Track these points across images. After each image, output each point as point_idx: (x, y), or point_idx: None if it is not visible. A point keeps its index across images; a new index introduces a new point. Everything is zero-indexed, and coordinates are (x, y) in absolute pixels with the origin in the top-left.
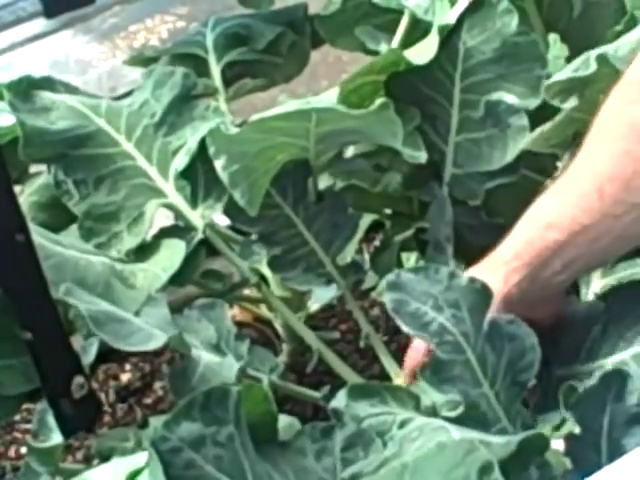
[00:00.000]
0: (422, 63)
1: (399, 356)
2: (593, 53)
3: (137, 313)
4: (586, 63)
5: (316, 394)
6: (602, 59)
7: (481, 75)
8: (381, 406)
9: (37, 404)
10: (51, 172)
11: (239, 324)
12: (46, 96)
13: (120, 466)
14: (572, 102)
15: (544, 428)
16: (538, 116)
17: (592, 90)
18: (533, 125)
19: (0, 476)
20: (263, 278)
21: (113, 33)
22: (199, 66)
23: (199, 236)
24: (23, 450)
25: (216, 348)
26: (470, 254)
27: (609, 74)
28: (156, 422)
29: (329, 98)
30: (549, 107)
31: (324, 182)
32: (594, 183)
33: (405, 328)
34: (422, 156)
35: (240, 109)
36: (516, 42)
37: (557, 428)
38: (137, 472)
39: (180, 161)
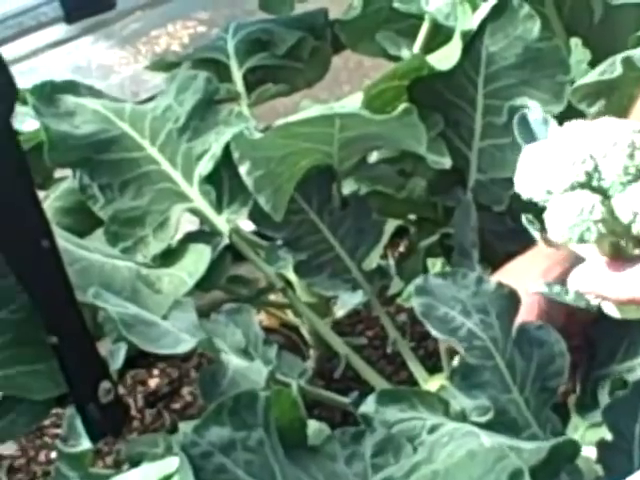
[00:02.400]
0: (445, 69)
1: (426, 362)
2: (619, 57)
3: (165, 317)
4: (612, 67)
5: (345, 399)
6: (628, 62)
7: (504, 81)
8: (410, 411)
9: (66, 409)
10: (76, 177)
11: (266, 330)
12: (70, 100)
13: (150, 471)
14: (598, 106)
15: (578, 429)
16: (563, 121)
17: (618, 94)
18: None
19: None
20: (289, 283)
21: (135, 38)
22: (221, 71)
23: (225, 241)
24: (53, 455)
25: (244, 353)
26: (495, 260)
27: (635, 78)
28: (186, 427)
29: (352, 103)
30: (574, 112)
31: (348, 187)
32: None
33: (434, 332)
34: (446, 162)
35: (263, 114)
36: (538, 48)
37: (593, 426)
38: (167, 477)
39: (204, 166)
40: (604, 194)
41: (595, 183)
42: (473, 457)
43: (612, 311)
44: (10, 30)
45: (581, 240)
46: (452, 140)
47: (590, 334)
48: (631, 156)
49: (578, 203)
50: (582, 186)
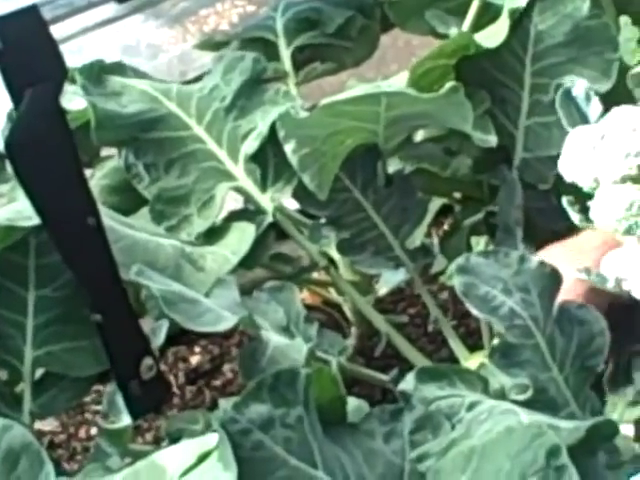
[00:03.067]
0: (493, 46)
1: (467, 340)
2: None
3: (207, 295)
4: None
5: (384, 377)
6: None
7: (552, 59)
8: (449, 388)
9: (107, 386)
10: (122, 155)
11: (308, 307)
12: (117, 80)
13: (189, 447)
14: None
15: (617, 407)
16: (610, 99)
17: None
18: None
19: (70, 456)
20: (332, 261)
21: (184, 17)
22: (269, 50)
23: (269, 219)
24: (93, 431)
25: (285, 330)
26: (540, 238)
27: None
28: (225, 404)
29: (399, 82)
30: (622, 90)
31: (393, 166)
32: None
33: (474, 311)
34: (492, 140)
35: (309, 93)
36: (587, 25)
37: (632, 404)
38: (206, 454)
39: (250, 145)
40: None
41: None
42: (511, 433)
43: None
44: (62, 9)
45: (627, 233)
46: (498, 118)
47: (627, 311)
48: None
49: (628, 197)
50: (633, 180)
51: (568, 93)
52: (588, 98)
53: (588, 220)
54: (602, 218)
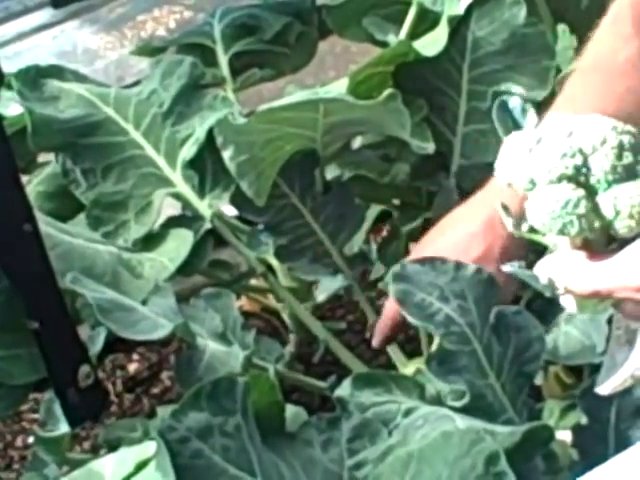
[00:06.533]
0: (432, 55)
1: (406, 346)
2: None
3: (144, 302)
4: None
5: (323, 384)
6: None
7: (489, 66)
8: (386, 395)
9: (44, 394)
10: (59, 161)
11: (246, 314)
12: (54, 85)
13: (127, 456)
14: None
15: (553, 413)
16: (546, 107)
17: None
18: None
19: (7, 465)
20: (270, 268)
21: (121, 23)
22: (207, 56)
23: (206, 226)
24: (30, 440)
25: (222, 337)
26: None
27: None
28: (164, 412)
29: (337, 89)
30: None
31: (331, 173)
32: None
33: (411, 319)
34: (430, 147)
35: (248, 99)
36: (524, 33)
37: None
38: (145, 462)
39: (188, 151)
40: (589, 190)
41: (582, 178)
42: (448, 439)
43: (570, 305)
44: None
45: (561, 232)
46: (436, 125)
47: None
48: (619, 156)
49: (564, 195)
50: (569, 179)
51: (504, 105)
52: (524, 110)
53: (520, 225)
54: (537, 218)
